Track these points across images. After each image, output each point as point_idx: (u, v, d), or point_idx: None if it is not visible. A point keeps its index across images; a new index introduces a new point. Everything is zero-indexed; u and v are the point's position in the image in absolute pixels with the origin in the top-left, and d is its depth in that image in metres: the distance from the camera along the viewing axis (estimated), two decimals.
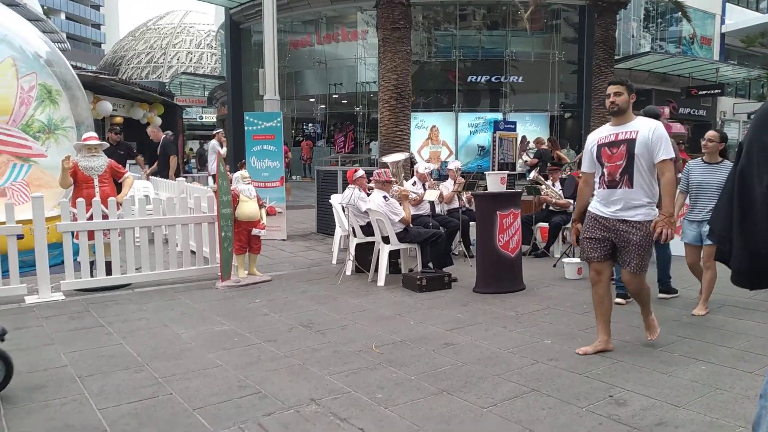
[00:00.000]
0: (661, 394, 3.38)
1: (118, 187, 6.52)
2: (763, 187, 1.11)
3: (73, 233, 5.90)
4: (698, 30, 25.43)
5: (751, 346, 4.22)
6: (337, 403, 3.27)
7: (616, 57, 17.23)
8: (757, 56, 29.37)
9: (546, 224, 7.88)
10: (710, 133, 5.17)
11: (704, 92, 24.49)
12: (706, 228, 4.99)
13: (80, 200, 5.90)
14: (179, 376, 3.66)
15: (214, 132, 12.56)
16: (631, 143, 3.88)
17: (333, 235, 7.89)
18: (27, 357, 3.98)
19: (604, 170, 4.00)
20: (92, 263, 5.99)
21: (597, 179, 4.09)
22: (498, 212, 5.92)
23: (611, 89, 3.97)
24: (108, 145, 6.85)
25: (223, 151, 12.18)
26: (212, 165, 11.99)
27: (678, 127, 22.98)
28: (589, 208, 4.11)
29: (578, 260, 6.90)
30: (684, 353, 4.09)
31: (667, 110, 24.35)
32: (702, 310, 5.07)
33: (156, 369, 3.78)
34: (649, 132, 3.86)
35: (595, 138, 4.10)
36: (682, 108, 25.56)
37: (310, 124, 25.91)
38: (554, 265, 7.13)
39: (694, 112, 26.54)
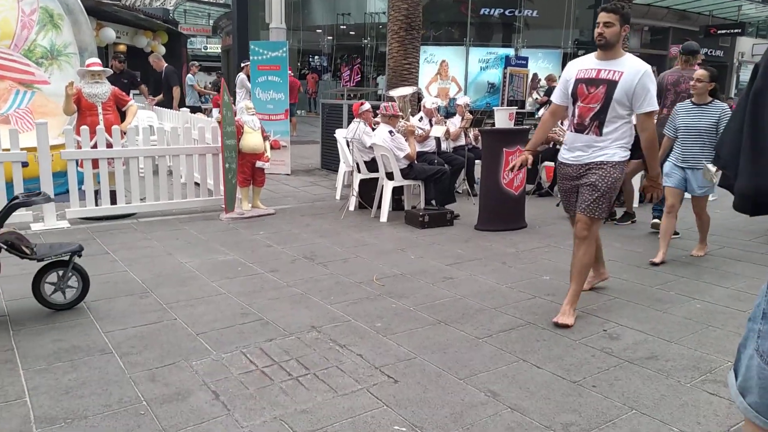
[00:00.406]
0: (654, 329, 3.45)
1: (122, 116, 6.47)
2: None
3: (77, 161, 5.90)
4: None
5: (747, 286, 4.26)
6: (337, 331, 3.35)
7: None
8: None
9: (552, 163, 7.81)
10: (699, 72, 4.85)
11: (723, 32, 23.74)
12: (694, 175, 4.80)
13: (84, 128, 5.87)
14: (183, 303, 3.74)
15: (243, 64, 12.23)
16: (611, 86, 3.39)
17: (337, 170, 7.86)
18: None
19: (576, 110, 3.52)
20: (97, 192, 6.02)
21: (569, 118, 3.66)
22: (504, 149, 5.87)
23: (602, 17, 3.45)
24: (111, 72, 6.74)
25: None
26: (240, 100, 11.83)
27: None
28: (558, 156, 3.77)
29: None
30: (680, 291, 4.14)
31: None
32: (701, 250, 5.10)
33: (160, 295, 3.86)
34: (635, 76, 3.36)
35: (575, 70, 3.57)
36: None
37: (316, 57, 25.37)
38: (557, 204, 7.10)
39: (711, 52, 25.76)
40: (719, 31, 23.71)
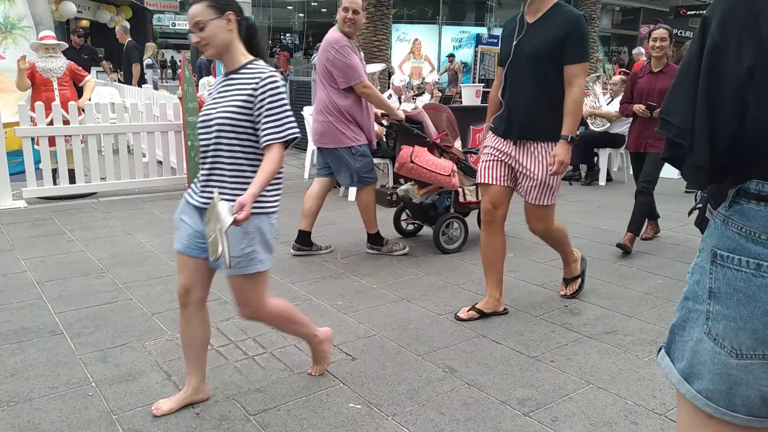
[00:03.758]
0: (614, 305, 3.47)
1: (80, 92, 6.26)
2: (742, 68, 0.96)
3: (33, 139, 5.70)
4: None
5: None
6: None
7: None
8: None
9: None
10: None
11: (693, 12, 23.91)
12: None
13: (39, 104, 5.66)
14: (140, 283, 3.65)
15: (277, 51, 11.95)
16: None
17: (306, 149, 7.74)
18: None
19: None
20: (55, 171, 5.83)
21: None
22: (471, 126, 5.84)
23: None
24: (67, 45, 6.50)
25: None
26: None
27: None
28: None
29: None
30: (642, 267, 4.17)
31: None
32: None
33: (117, 276, 3.76)
34: None
35: None
36: None
37: (287, 34, 24.97)
38: None
39: (680, 32, 25.98)
40: (689, 12, 23.89)
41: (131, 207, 5.61)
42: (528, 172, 3.08)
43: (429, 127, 4.39)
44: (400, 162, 4.20)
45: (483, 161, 3.24)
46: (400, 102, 7.37)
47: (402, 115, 4.34)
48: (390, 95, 7.46)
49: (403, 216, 4.88)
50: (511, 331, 3.07)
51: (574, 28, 2.90)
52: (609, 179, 7.57)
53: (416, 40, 20.10)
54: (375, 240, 4.37)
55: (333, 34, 4.09)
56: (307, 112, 7.27)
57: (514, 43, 3.02)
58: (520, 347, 2.89)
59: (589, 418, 2.30)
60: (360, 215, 4.35)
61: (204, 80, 6.29)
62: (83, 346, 2.80)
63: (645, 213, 4.58)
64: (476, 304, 3.27)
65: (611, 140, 7.28)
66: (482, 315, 3.22)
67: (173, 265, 3.99)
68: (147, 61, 11.36)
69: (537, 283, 3.79)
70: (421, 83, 16.34)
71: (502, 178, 3.16)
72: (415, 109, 4.65)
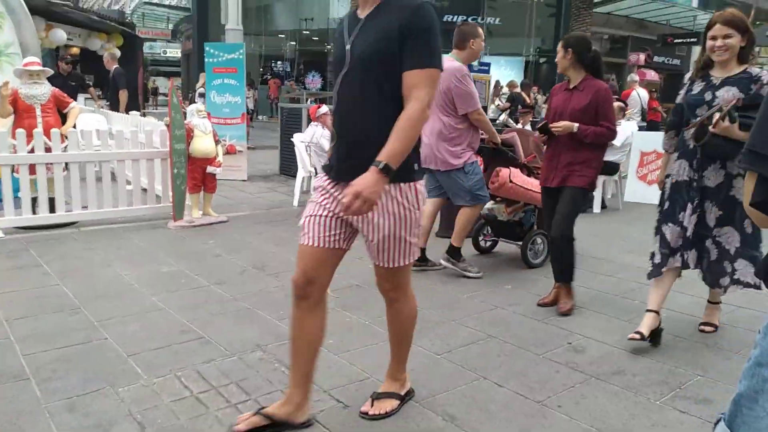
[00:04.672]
0: (620, 342, 3.28)
1: (64, 119, 6.08)
2: None
3: (12, 167, 5.49)
4: None
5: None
6: (284, 350, 3.07)
7: (595, 1, 16.78)
8: (735, 4, 29.08)
9: None
10: None
11: (680, 41, 24.23)
12: None
13: (20, 131, 5.47)
14: (116, 320, 3.42)
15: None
16: None
17: (296, 176, 7.59)
18: None
19: None
20: (34, 200, 5.62)
21: None
22: None
23: None
24: (52, 72, 6.34)
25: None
26: None
27: (652, 75, 22.84)
28: None
29: None
30: (644, 300, 3.97)
31: (642, 57, 24.13)
32: None
33: (92, 311, 3.53)
34: None
35: None
36: (656, 56, 25.34)
37: (279, 62, 25.02)
38: None
39: (668, 60, 26.34)
40: (675, 41, 24.20)
41: (113, 237, 5.39)
42: (370, 226, 2.18)
43: (520, 150, 4.74)
44: (500, 182, 4.49)
45: (307, 214, 2.26)
46: None
47: (499, 139, 4.68)
48: None
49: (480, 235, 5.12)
50: (513, 372, 2.87)
51: (410, 19, 2.02)
52: (603, 206, 7.46)
53: None
54: (455, 253, 4.43)
55: (453, 62, 4.22)
56: (297, 139, 7.12)
57: (347, 46, 2.15)
58: (524, 390, 2.69)
59: None
60: (455, 226, 4.43)
61: (192, 107, 6.13)
62: (51, 393, 2.57)
63: (572, 258, 3.74)
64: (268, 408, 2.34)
65: (605, 167, 7.17)
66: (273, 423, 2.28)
67: (153, 299, 3.77)
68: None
69: (538, 318, 3.61)
70: None
71: (326, 238, 2.21)
72: (510, 131, 5.13)
